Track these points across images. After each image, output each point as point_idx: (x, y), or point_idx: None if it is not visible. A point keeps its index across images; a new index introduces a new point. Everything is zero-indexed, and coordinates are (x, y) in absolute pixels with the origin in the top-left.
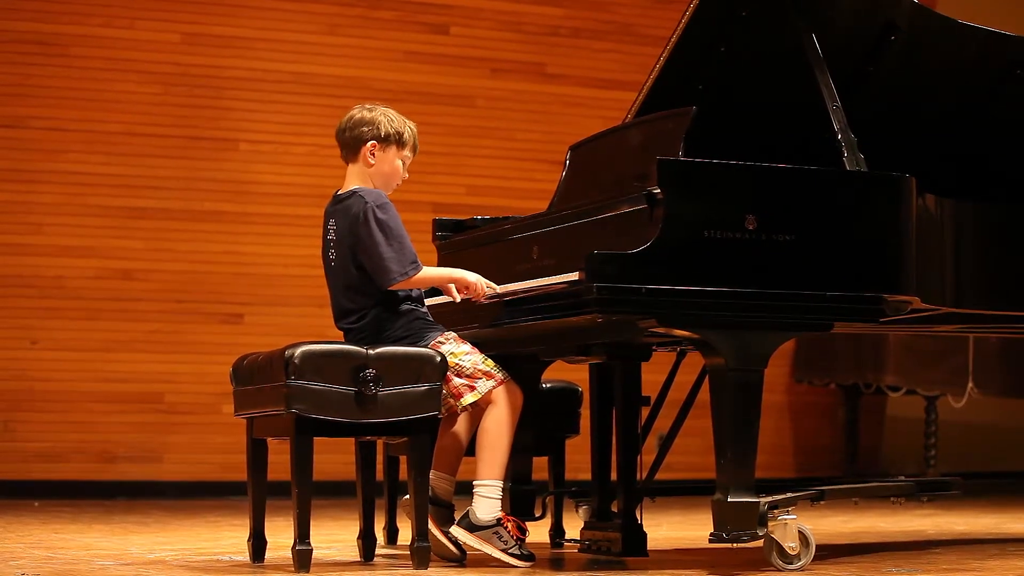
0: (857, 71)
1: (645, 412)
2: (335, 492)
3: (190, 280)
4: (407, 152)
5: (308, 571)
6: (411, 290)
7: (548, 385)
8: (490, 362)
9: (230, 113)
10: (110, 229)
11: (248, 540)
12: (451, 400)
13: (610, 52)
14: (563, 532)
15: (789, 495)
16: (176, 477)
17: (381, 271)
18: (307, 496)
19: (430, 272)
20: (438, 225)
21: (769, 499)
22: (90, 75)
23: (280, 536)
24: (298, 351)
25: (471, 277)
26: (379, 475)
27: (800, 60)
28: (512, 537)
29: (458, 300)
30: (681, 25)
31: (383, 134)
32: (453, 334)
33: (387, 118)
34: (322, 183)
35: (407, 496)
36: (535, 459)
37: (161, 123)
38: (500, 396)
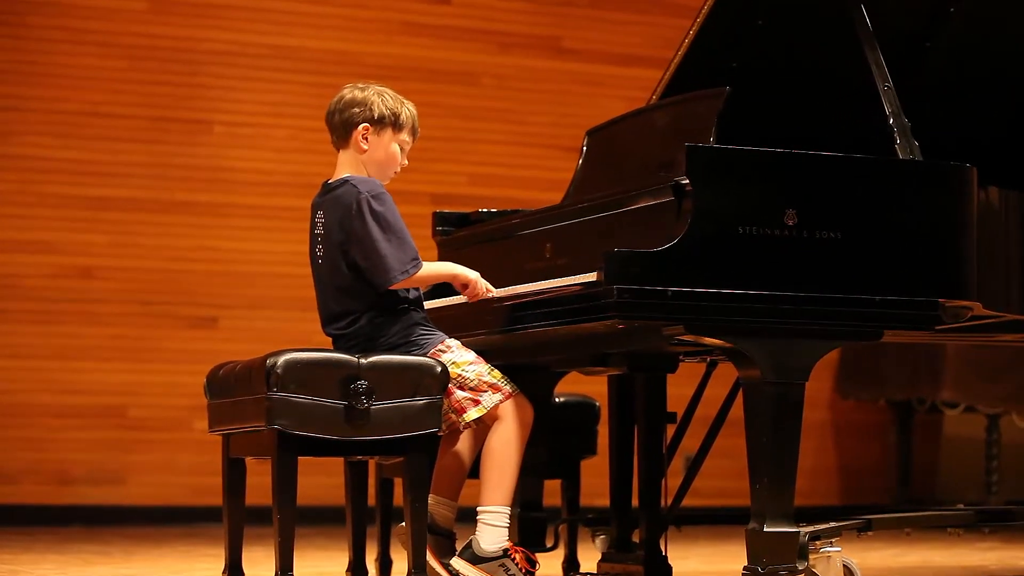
0: (911, 48)
1: (671, 430)
2: (322, 519)
3: (158, 279)
4: (405, 136)
5: None
6: (408, 291)
7: (562, 399)
8: (497, 373)
9: (204, 91)
10: (68, 221)
11: (223, 572)
12: (453, 416)
13: (633, 24)
14: (578, 565)
15: (833, 525)
16: (141, 501)
17: (379, 269)
18: (290, 523)
19: (430, 269)
20: (439, 219)
21: (810, 529)
22: (46, 47)
23: (259, 568)
24: (281, 360)
25: (471, 275)
26: (371, 500)
27: (847, 35)
28: (520, 570)
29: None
30: None
31: (376, 116)
32: (455, 341)
33: (381, 98)
34: (308, 171)
35: (403, 523)
36: (547, 482)
37: (126, 102)
38: (508, 411)
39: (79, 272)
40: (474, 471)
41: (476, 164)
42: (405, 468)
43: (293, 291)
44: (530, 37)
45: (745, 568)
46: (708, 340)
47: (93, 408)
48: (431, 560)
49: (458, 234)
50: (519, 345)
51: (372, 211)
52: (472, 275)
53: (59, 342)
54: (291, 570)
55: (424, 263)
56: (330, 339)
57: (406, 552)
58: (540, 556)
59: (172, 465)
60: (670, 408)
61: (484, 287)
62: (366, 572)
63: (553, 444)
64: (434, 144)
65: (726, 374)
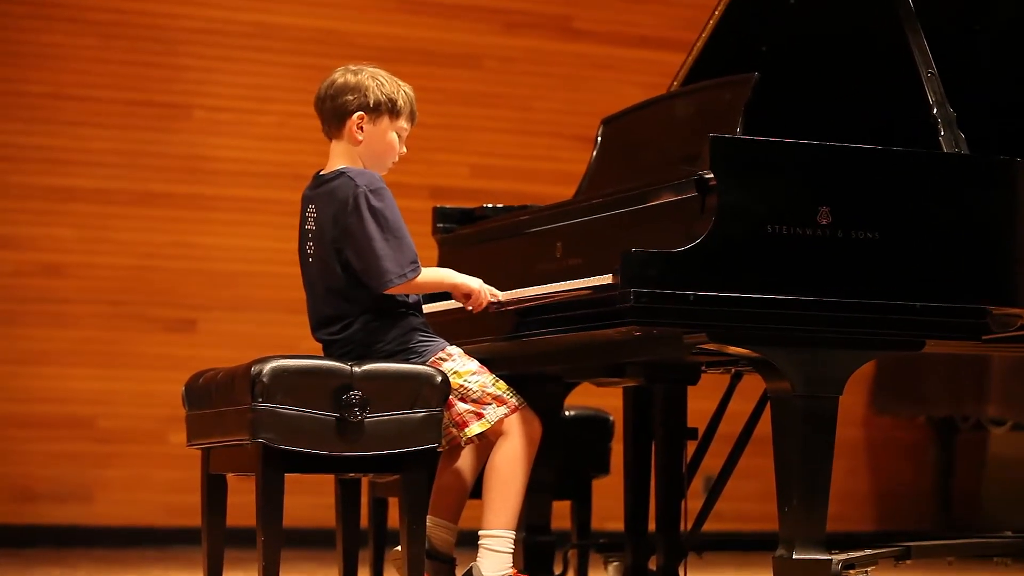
0: (958, 30)
1: (691, 448)
2: (310, 541)
3: (132, 278)
4: (403, 123)
5: None
6: (407, 295)
7: (572, 413)
8: (502, 384)
9: (183, 73)
10: (32, 214)
11: None
12: (453, 430)
13: (652, 3)
14: None
15: (868, 552)
16: (111, 521)
17: (375, 272)
18: (276, 546)
19: (429, 276)
20: (439, 215)
21: (844, 557)
22: (8, 23)
23: None
24: (267, 367)
25: (473, 284)
26: (363, 521)
27: (888, 16)
28: None
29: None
30: None
31: (372, 103)
32: (457, 349)
33: (376, 82)
34: (296, 160)
35: (397, 547)
36: (555, 504)
37: (97, 84)
38: (513, 426)
39: (44, 269)
40: (476, 491)
41: (479, 155)
42: (401, 487)
43: (280, 292)
44: (538, 16)
45: None
46: (733, 349)
47: (59, 418)
48: None
49: (460, 231)
50: (526, 354)
51: (370, 207)
52: (475, 284)
53: (22, 345)
54: None
55: (423, 268)
56: (320, 345)
57: None
58: None
59: (145, 481)
60: (691, 423)
61: (488, 295)
62: None
63: (563, 462)
64: (433, 133)
65: (752, 387)
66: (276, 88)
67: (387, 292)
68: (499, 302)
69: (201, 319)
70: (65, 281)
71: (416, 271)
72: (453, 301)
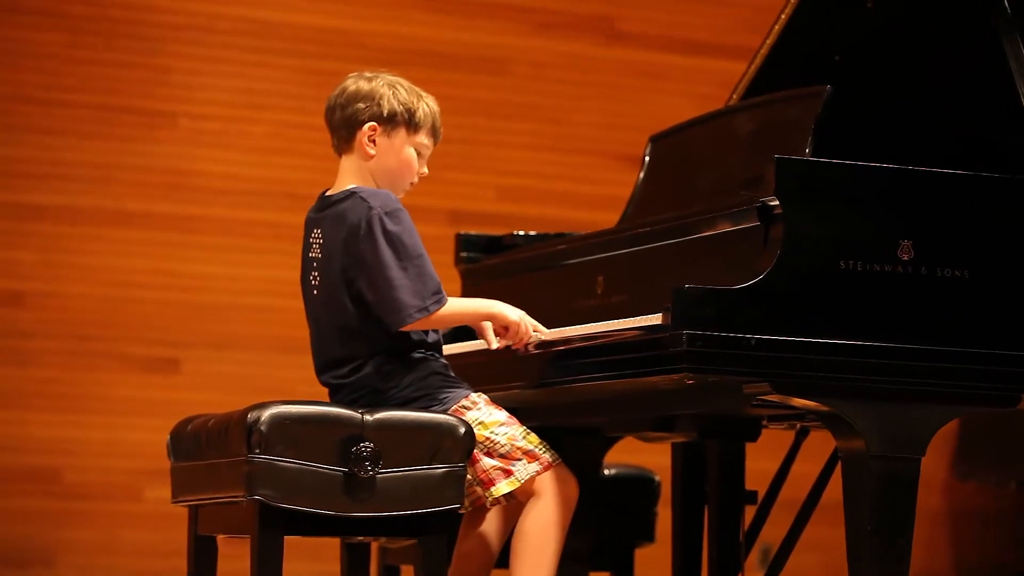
0: None
1: (749, 513)
2: None
3: (104, 309)
4: (423, 138)
5: None
6: (427, 333)
7: (613, 471)
8: (533, 437)
9: (165, 75)
10: None
11: None
12: (478, 489)
13: (706, 3)
14: None
15: None
16: None
17: (392, 305)
18: None
19: (457, 306)
20: (463, 242)
21: None
22: None
23: None
24: (266, 414)
25: (513, 315)
26: None
27: (980, 22)
28: None
29: (494, 347)
30: None
31: (386, 112)
32: (483, 396)
33: (392, 90)
34: (292, 177)
35: None
36: (593, 575)
37: (67, 87)
38: (546, 486)
39: (3, 299)
40: (502, 559)
41: (506, 174)
42: (417, 553)
43: (275, 328)
44: (576, 16)
45: None
46: (799, 401)
47: (17, 470)
48: None
49: (486, 262)
50: (562, 403)
51: (385, 231)
52: (514, 315)
53: None
54: None
55: (449, 299)
56: (326, 390)
57: None
58: None
59: (117, 543)
60: (749, 485)
61: (529, 328)
62: None
63: (602, 527)
64: (454, 149)
65: (820, 445)
66: (271, 94)
67: (405, 329)
68: (544, 339)
69: (184, 358)
70: (26, 312)
71: (440, 303)
72: (479, 341)
